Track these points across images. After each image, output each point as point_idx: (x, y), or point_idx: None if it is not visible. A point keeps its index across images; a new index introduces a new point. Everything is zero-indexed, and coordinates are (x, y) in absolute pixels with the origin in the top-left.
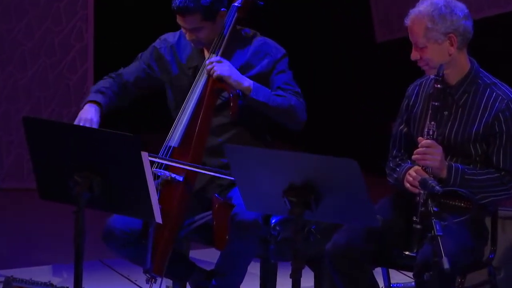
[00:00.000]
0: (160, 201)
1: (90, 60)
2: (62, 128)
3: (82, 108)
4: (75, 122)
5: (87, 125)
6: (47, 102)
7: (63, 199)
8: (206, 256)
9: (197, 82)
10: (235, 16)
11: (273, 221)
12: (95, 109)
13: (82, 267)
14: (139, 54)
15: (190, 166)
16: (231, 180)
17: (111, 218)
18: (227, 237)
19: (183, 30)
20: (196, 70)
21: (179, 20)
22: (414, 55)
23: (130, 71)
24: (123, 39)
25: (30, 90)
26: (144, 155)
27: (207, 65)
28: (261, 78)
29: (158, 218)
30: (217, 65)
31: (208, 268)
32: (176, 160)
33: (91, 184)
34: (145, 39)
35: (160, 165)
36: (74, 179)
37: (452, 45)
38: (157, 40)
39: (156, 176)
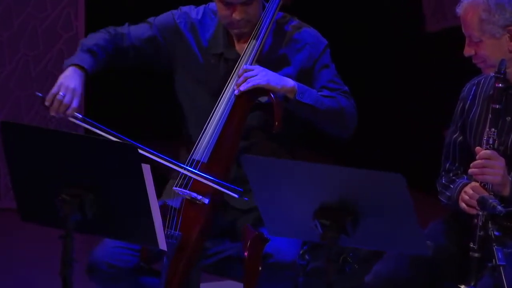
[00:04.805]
0: (181, 227)
1: None
2: (47, 135)
3: (65, 70)
4: (54, 89)
5: (69, 95)
6: (29, 104)
7: (48, 221)
8: None
9: (229, 85)
10: (280, 2)
11: (302, 248)
12: (79, 76)
13: None
14: (151, 18)
15: (228, 188)
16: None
17: (97, 248)
18: (259, 271)
19: (223, 12)
20: (220, 58)
21: None
22: (468, 51)
23: (136, 34)
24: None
25: (8, 89)
26: (145, 167)
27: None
28: (301, 75)
29: (163, 245)
30: (248, 76)
31: None
32: (210, 178)
33: (81, 203)
34: None
35: (185, 184)
36: (62, 198)
37: None
38: (177, 10)
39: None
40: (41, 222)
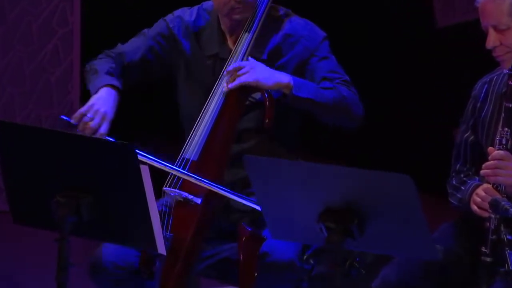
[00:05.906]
0: (172, 228)
1: (77, 49)
2: (42, 135)
3: (96, 92)
4: (83, 108)
5: (97, 119)
6: (23, 102)
7: (42, 224)
8: None
9: (220, 81)
10: None
11: (307, 252)
12: (113, 99)
13: None
14: (144, 30)
15: (219, 188)
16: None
17: (101, 248)
18: (255, 276)
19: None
20: (216, 58)
21: None
22: (493, 41)
23: (133, 49)
24: (117, 23)
25: (2, 86)
26: (144, 168)
27: (226, 75)
28: (298, 69)
29: (162, 249)
30: (238, 74)
31: None
32: (201, 179)
33: (77, 205)
34: (143, 24)
35: (174, 183)
36: (57, 199)
37: None
38: (169, 15)
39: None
40: (35, 224)
